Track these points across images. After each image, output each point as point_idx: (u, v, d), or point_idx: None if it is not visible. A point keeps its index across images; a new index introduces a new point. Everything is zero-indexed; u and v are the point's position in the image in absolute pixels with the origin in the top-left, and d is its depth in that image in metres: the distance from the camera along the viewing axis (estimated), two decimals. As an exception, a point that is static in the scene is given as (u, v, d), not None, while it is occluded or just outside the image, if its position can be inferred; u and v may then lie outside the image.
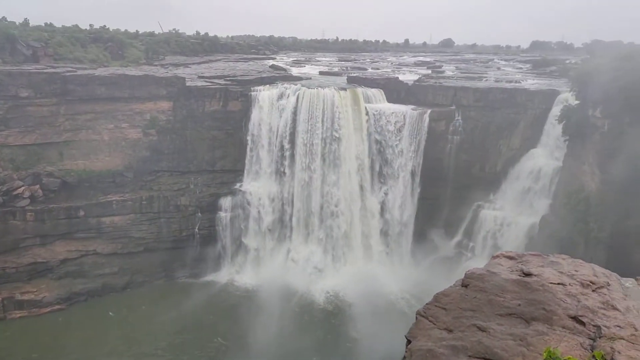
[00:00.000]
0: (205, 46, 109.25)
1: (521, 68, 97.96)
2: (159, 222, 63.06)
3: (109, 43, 79.54)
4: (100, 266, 60.68)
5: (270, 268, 63.92)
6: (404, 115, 63.77)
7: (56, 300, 56.87)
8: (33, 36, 69.04)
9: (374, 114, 64.13)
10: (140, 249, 62.60)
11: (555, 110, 57.33)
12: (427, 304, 8.95)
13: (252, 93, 64.29)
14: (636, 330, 7.67)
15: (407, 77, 77.24)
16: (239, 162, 65.33)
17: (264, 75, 71.48)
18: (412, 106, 65.38)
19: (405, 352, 7.91)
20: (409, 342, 8.19)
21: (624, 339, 7.45)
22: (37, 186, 57.46)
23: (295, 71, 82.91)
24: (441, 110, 65.04)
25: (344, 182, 64.07)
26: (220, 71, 76.28)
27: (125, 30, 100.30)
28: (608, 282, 9.27)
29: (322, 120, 62.38)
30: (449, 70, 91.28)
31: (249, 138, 64.50)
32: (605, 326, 7.78)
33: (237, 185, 64.99)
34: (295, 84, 66.37)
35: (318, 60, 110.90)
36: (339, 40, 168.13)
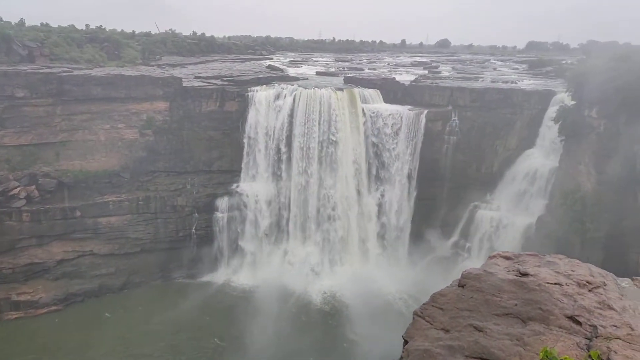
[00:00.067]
0: (202, 46, 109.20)
1: (517, 68, 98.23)
2: (156, 222, 62.94)
3: (105, 43, 79.40)
4: (97, 267, 60.55)
5: (267, 269, 63.87)
6: (401, 116, 63.78)
7: (53, 301, 56.73)
8: (29, 36, 68.83)
9: (370, 116, 64.11)
10: (137, 250, 62.49)
11: (552, 111, 57.49)
12: (424, 304, 8.96)
13: (249, 93, 64.20)
14: (632, 329, 7.70)
15: (404, 77, 77.36)
16: (236, 163, 65.26)
17: (261, 75, 71.40)
18: (409, 106, 65.43)
19: (402, 352, 7.92)
20: (406, 342, 8.20)
21: (620, 338, 7.48)
22: (33, 187, 57.27)
23: (292, 71, 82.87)
24: (438, 110, 65.12)
25: (341, 185, 63.96)
26: (217, 71, 76.23)
27: (122, 30, 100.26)
28: (604, 282, 9.31)
29: (319, 123, 62.17)
30: (445, 70, 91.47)
31: (245, 141, 64.37)
32: (602, 326, 7.80)
33: (234, 186, 64.93)
34: (292, 85, 66.28)
35: (315, 61, 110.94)
36: (336, 40, 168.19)
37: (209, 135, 64.05)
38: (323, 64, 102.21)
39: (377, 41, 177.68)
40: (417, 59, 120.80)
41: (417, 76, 78.23)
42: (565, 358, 6.68)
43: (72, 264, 59.72)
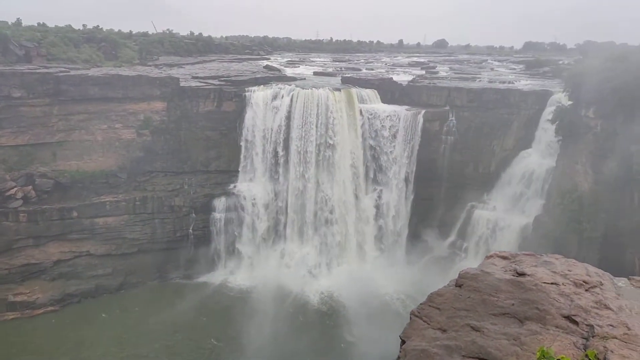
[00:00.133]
0: (199, 46, 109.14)
1: (514, 69, 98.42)
2: (153, 222, 62.79)
3: (102, 43, 79.29)
4: (93, 267, 60.40)
5: (264, 269, 63.78)
6: (399, 117, 63.75)
7: (49, 302, 56.57)
8: (25, 36, 68.67)
9: (368, 118, 64.04)
10: (134, 250, 62.34)
11: (549, 111, 57.62)
12: (421, 304, 8.96)
13: (246, 93, 64.12)
14: (629, 329, 7.71)
15: (401, 77, 77.42)
16: (233, 163, 65.18)
17: (258, 75, 71.34)
18: (407, 107, 65.46)
19: (400, 352, 7.92)
20: (403, 342, 8.19)
21: (616, 338, 7.49)
22: (30, 187, 57.13)
23: (289, 72, 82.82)
24: (435, 110, 65.16)
25: (339, 189, 63.84)
26: (215, 71, 76.16)
27: (119, 30, 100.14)
28: (601, 282, 9.32)
29: (317, 126, 61.93)
30: (442, 70, 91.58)
31: (242, 144, 64.24)
32: (598, 325, 7.81)
33: (231, 187, 64.85)
34: (290, 85, 66.25)
35: (312, 61, 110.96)
36: (333, 40, 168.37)
37: (206, 135, 63.97)
38: (320, 64, 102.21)
39: (375, 41, 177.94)
40: (415, 59, 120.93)
41: (414, 76, 78.32)
42: (562, 357, 6.68)
43: (69, 265, 59.56)
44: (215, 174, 65.20)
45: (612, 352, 7.15)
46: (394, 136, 63.83)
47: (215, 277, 63.71)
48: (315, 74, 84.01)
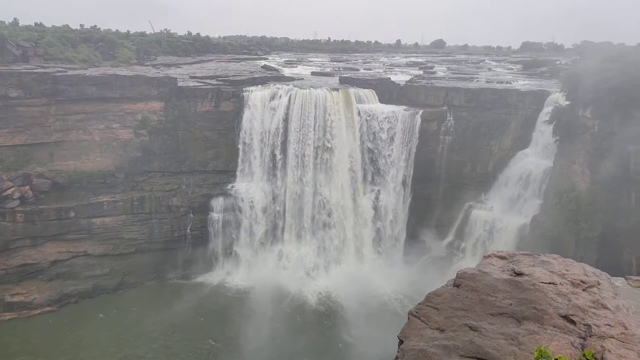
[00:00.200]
0: (197, 46, 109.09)
1: (512, 69, 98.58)
2: (151, 223, 62.71)
3: (99, 43, 79.18)
4: (91, 267, 60.29)
5: (262, 270, 63.72)
6: (397, 117, 63.71)
7: (46, 302, 56.43)
8: (23, 36, 68.60)
9: (367, 119, 63.94)
10: (131, 250, 62.24)
11: (546, 111, 57.69)
12: (419, 304, 8.95)
13: (244, 93, 64.02)
14: (626, 329, 7.72)
15: (399, 77, 77.48)
16: (231, 163, 65.10)
17: (256, 75, 71.37)
18: (404, 107, 65.49)
19: (398, 352, 7.91)
20: (401, 342, 8.19)
21: (614, 337, 7.50)
22: (27, 187, 57.00)
23: (287, 72, 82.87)
24: (433, 110, 65.21)
25: (337, 192, 63.72)
26: (212, 71, 76.15)
27: (116, 30, 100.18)
28: (598, 282, 9.32)
29: (314, 129, 61.76)
30: (440, 70, 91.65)
31: (240, 147, 64.09)
32: (596, 325, 7.82)
33: (229, 187, 64.75)
34: (288, 85, 66.20)
35: (310, 61, 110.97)
36: (331, 40, 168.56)
37: (204, 135, 63.88)
38: (318, 64, 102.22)
39: (373, 41, 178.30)
40: (413, 59, 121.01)
41: (412, 76, 78.35)
42: (560, 357, 6.68)
43: (66, 265, 59.44)
44: (213, 174, 65.12)
45: (610, 351, 7.15)
46: (392, 139, 63.77)
47: (213, 278, 63.64)
48: (313, 74, 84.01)
